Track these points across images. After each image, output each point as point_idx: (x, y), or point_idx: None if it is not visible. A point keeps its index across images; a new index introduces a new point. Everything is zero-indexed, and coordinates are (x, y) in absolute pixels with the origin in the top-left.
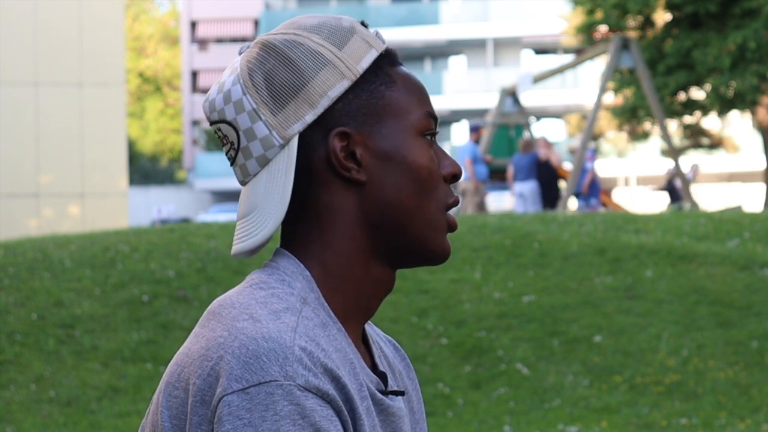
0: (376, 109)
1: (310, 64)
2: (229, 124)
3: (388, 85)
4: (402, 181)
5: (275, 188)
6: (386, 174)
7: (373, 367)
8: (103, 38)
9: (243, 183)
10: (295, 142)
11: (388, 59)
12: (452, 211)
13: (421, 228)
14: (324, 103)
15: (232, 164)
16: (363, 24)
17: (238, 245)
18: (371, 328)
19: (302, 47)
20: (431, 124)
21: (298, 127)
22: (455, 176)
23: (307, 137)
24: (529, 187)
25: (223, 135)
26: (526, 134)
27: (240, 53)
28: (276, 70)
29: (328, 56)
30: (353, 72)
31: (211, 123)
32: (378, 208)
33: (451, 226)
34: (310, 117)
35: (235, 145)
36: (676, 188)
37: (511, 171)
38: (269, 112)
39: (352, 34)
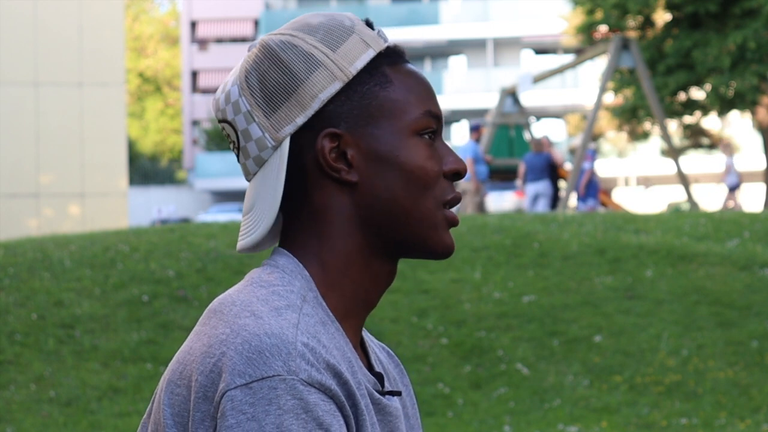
0: (368, 110)
1: (302, 66)
2: (230, 124)
3: (383, 85)
4: (395, 182)
5: (268, 189)
6: (378, 175)
7: (369, 368)
8: (103, 38)
9: (248, 180)
10: (286, 144)
11: (388, 58)
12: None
13: (417, 226)
14: (315, 106)
15: (238, 162)
16: (368, 23)
17: (239, 242)
18: (365, 334)
19: (295, 49)
20: (431, 122)
21: (290, 129)
22: (458, 173)
23: (300, 139)
24: (544, 187)
25: (227, 134)
26: (536, 134)
27: (248, 51)
28: (269, 72)
29: (320, 58)
30: (345, 73)
31: (218, 121)
32: (372, 208)
33: (451, 222)
34: (301, 119)
35: (237, 144)
36: None
37: (522, 170)
38: (262, 114)
39: (350, 33)
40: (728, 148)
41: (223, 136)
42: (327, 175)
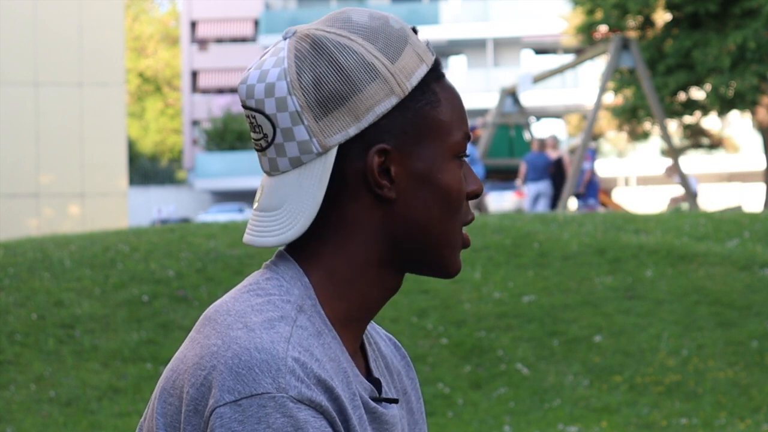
0: (418, 130)
1: (362, 75)
2: (267, 117)
3: (434, 104)
4: (432, 203)
5: (306, 194)
6: (417, 194)
7: (368, 373)
8: (103, 38)
9: (268, 174)
10: (333, 152)
11: (434, 73)
12: None
13: (441, 247)
14: (369, 118)
15: (259, 151)
16: (414, 30)
17: (256, 238)
18: (371, 327)
19: (355, 55)
20: (465, 145)
21: (340, 138)
22: (477, 194)
23: (344, 147)
24: (545, 187)
25: (257, 124)
26: (537, 134)
27: (285, 38)
28: (326, 75)
29: (381, 70)
30: (403, 89)
31: (246, 107)
32: (403, 226)
33: (465, 244)
34: (353, 130)
35: (269, 139)
36: None
37: (524, 170)
38: (312, 117)
39: (405, 44)
40: (673, 171)
41: (247, 126)
42: (368, 188)
